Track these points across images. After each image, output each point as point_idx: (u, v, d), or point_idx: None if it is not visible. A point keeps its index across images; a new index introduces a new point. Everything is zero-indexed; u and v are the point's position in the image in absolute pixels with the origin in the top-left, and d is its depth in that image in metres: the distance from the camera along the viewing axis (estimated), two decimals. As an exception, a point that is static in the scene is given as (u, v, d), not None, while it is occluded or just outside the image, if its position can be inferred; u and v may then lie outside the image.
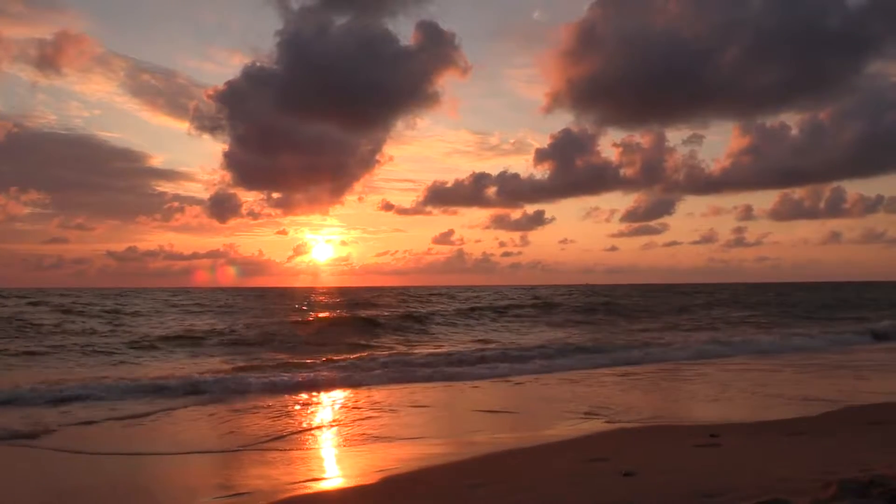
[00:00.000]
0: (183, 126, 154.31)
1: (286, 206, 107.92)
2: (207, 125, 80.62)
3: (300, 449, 8.29)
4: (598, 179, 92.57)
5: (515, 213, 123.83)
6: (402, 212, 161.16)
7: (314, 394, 12.78)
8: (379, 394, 12.58)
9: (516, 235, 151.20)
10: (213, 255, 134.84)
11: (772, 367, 16.07)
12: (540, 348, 19.55)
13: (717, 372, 15.35)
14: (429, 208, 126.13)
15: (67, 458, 7.97)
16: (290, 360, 17.46)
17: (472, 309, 38.25)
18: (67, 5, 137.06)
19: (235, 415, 10.60)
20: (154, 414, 10.57)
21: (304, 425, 9.80)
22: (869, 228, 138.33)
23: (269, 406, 11.36)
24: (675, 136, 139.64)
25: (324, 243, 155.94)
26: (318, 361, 17.07)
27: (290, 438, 8.83)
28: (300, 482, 6.62)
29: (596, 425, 9.32)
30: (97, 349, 19.53)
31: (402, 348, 21.47)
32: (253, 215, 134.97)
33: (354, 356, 18.01)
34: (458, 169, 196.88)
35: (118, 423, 9.94)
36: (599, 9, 70.20)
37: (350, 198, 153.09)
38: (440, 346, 21.87)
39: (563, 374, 15.23)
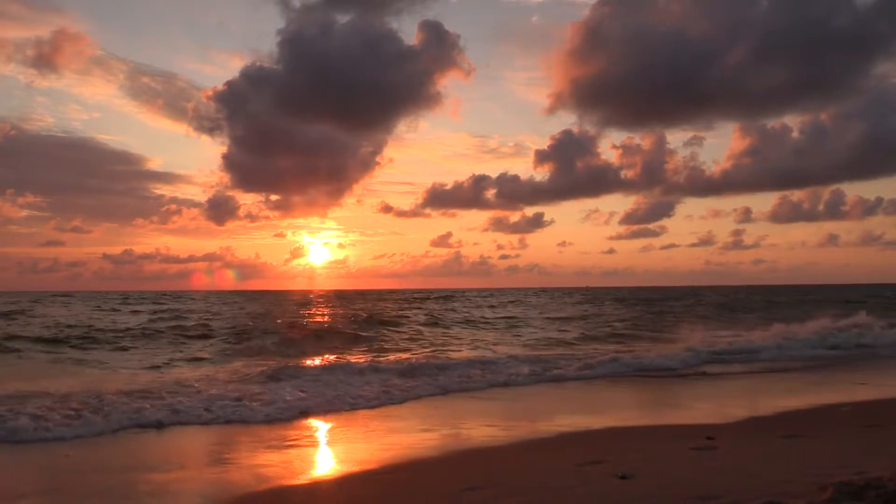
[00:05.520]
0: (182, 129, 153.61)
1: (284, 208, 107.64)
2: (206, 126, 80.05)
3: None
4: (598, 181, 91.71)
5: (514, 216, 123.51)
6: (401, 214, 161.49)
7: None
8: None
9: (514, 238, 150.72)
10: (210, 257, 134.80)
11: None
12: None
13: None
14: (427, 210, 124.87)
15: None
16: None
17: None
18: (66, 7, 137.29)
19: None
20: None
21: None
22: (867, 231, 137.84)
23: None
24: (678, 137, 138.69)
25: (321, 246, 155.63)
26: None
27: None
28: (303, 475, 6.61)
29: (592, 426, 9.29)
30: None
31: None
32: (251, 218, 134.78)
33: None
34: (458, 171, 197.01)
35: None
36: (603, 9, 70.09)
37: (349, 200, 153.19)
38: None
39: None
